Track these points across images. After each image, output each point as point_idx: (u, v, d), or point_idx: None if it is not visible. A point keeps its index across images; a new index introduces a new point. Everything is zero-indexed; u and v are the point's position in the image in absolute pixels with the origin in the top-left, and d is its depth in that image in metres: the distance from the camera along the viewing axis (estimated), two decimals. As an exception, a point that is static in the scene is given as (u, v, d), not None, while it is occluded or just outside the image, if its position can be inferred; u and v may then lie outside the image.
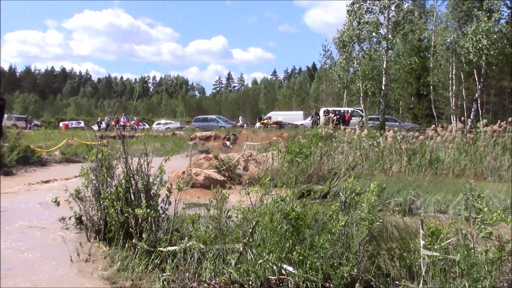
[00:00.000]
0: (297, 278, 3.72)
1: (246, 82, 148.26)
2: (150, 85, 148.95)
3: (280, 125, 36.09)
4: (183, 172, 9.97)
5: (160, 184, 5.22)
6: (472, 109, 27.91)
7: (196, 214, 4.59)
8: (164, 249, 4.41)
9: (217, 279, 3.85)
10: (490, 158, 12.01)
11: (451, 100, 32.72)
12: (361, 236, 3.97)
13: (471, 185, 4.35)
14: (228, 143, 28.15)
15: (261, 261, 3.89)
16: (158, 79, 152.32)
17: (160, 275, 3.97)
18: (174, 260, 4.21)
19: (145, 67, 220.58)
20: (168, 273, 3.98)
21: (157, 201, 5.16)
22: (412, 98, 41.35)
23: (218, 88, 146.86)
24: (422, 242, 4.02)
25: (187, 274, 3.95)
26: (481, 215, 4.05)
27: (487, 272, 3.81)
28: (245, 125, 41.31)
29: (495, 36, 25.31)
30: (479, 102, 28.33)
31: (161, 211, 5.09)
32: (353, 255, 3.93)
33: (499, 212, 4.12)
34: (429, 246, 4.01)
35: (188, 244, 4.24)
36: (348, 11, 30.32)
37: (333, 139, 12.94)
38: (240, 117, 45.79)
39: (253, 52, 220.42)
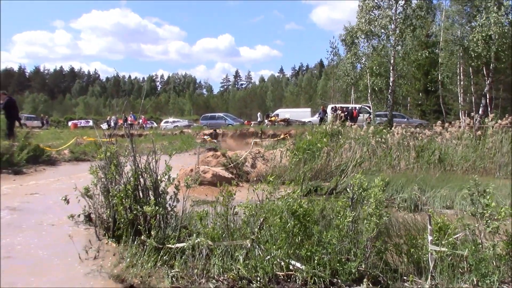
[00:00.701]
0: (305, 274, 3.74)
1: (254, 79, 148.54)
2: (158, 83, 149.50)
3: (287, 122, 36.11)
4: (191, 170, 10.01)
5: (168, 182, 5.25)
6: (481, 105, 27.75)
7: (204, 211, 4.63)
8: (173, 246, 4.43)
9: (226, 275, 3.88)
10: (498, 154, 11.94)
11: (459, 95, 32.53)
12: (370, 232, 3.97)
13: (475, 180, 4.34)
14: (207, 138, 28.11)
15: (269, 257, 3.92)
16: (165, 77, 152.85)
17: (169, 272, 4.00)
18: (183, 257, 4.23)
19: (153, 66, 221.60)
20: (177, 270, 4.00)
21: (165, 198, 5.19)
22: (420, 94, 41.13)
23: (225, 86, 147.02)
24: (430, 238, 4.02)
25: (196, 270, 3.98)
26: (489, 210, 4.05)
27: (495, 267, 3.81)
28: (262, 121, 41.13)
29: (505, 29, 25.10)
30: (488, 97, 28.15)
31: (169, 208, 5.11)
32: (360, 251, 3.94)
33: (507, 207, 4.12)
34: (436, 242, 4.01)
35: (196, 241, 4.27)
36: (359, 5, 30.37)
37: (340, 136, 12.92)
38: (258, 113, 45.85)
39: (260, 50, 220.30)
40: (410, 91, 40.64)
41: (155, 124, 51.85)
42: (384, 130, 13.87)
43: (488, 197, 4.19)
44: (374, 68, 34.88)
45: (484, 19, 25.40)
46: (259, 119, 41.63)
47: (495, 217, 4.02)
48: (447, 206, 7.98)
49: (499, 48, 25.34)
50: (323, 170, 10.53)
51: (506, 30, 25.28)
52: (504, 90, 35.95)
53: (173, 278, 3.90)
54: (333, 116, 23.91)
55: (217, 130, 31.07)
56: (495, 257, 3.87)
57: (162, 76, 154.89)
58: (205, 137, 28.42)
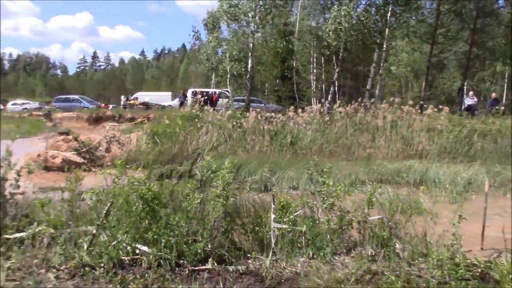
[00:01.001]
0: (151, 257, 3.73)
1: (113, 61, 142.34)
2: (6, 62, 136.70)
3: (147, 106, 35.46)
4: (38, 155, 9.40)
5: (8, 167, 4.89)
6: (330, 92, 29.71)
7: (46, 198, 4.40)
8: (11, 236, 4.16)
9: (67, 264, 3.73)
10: (343, 138, 12.97)
11: (312, 83, 34.52)
12: (217, 213, 4.09)
13: (314, 161, 4.68)
14: (42, 119, 27.21)
15: (115, 242, 3.84)
16: (15, 56, 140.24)
17: (5, 264, 3.72)
18: (22, 247, 3.98)
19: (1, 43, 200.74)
20: (14, 261, 3.75)
21: (4, 185, 4.83)
22: (277, 80, 42.79)
23: (82, 67, 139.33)
24: (273, 216, 4.25)
25: (35, 260, 3.77)
26: (324, 188, 4.39)
27: (329, 241, 4.16)
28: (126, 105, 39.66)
29: (354, 22, 26.99)
30: (336, 85, 30.25)
31: (8, 196, 4.77)
32: (207, 232, 4.03)
33: (343, 185, 4.51)
34: (279, 220, 4.26)
35: (37, 230, 4.05)
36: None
37: (198, 120, 13.02)
38: (122, 96, 43.87)
39: (121, 30, 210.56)
40: (268, 77, 42.16)
41: (1, 107, 47.62)
42: (240, 114, 14.26)
43: (325, 176, 4.55)
44: (234, 53, 35.55)
45: (336, 11, 27.05)
46: (122, 103, 40.13)
47: (333, 195, 4.38)
48: (294, 186, 8.51)
49: (347, 39, 27.24)
50: (180, 154, 10.55)
51: (354, 23, 27.23)
52: (351, 78, 38.90)
53: (9, 270, 3.65)
54: (193, 100, 23.95)
55: (51, 112, 30.08)
56: (329, 231, 4.21)
57: (10, 55, 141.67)
58: (41, 118, 27.28)
